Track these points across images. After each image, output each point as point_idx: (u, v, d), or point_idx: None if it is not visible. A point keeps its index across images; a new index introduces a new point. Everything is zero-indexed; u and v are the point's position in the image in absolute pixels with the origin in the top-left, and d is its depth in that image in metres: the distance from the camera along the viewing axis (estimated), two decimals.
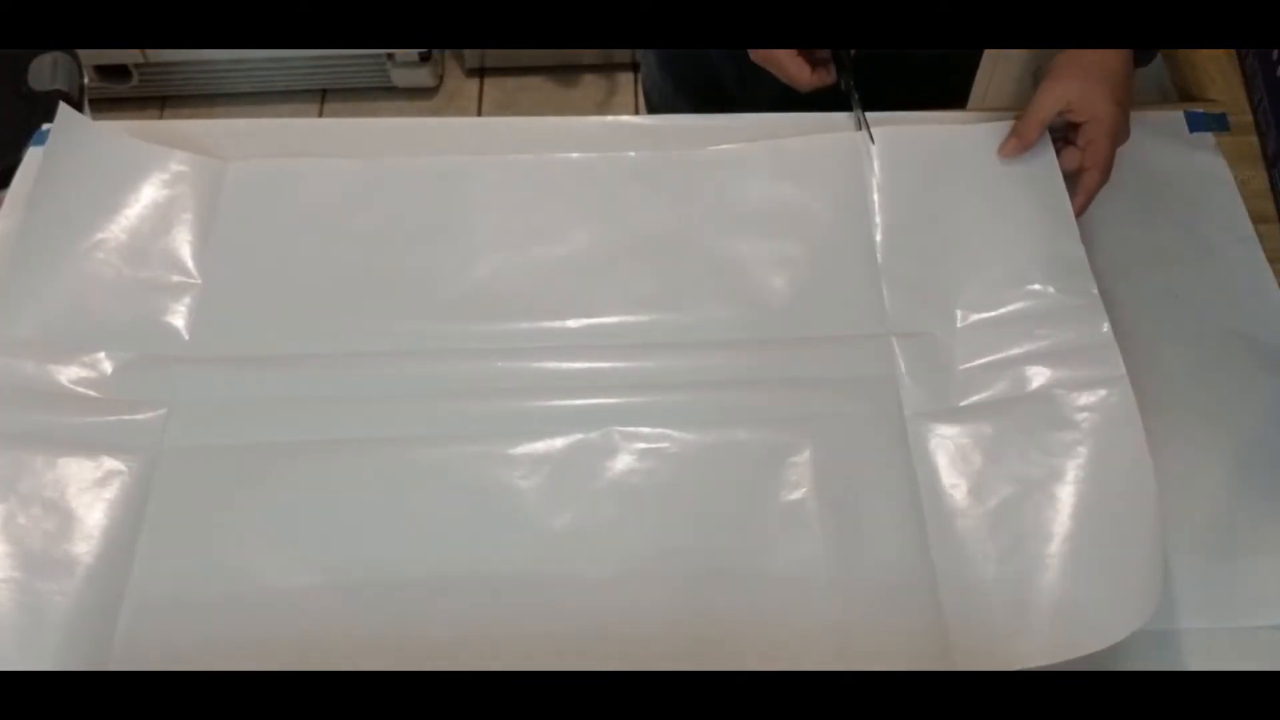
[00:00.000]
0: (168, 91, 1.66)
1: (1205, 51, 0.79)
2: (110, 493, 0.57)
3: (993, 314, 0.63)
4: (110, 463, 0.57)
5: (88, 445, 0.58)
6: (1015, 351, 0.61)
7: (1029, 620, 0.53)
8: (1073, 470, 0.56)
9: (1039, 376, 0.59)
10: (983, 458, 0.58)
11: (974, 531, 0.56)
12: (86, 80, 1.10)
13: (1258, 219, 0.70)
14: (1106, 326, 0.60)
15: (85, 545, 0.55)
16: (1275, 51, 0.74)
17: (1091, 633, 0.52)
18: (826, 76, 0.68)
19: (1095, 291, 0.61)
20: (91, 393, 0.60)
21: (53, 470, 0.57)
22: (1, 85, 1.04)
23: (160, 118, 1.65)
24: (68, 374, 0.60)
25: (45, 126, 0.73)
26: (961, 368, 0.61)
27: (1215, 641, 0.54)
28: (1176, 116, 0.74)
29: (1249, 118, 0.76)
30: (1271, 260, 0.68)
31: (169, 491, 0.57)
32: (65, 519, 0.56)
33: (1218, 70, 0.79)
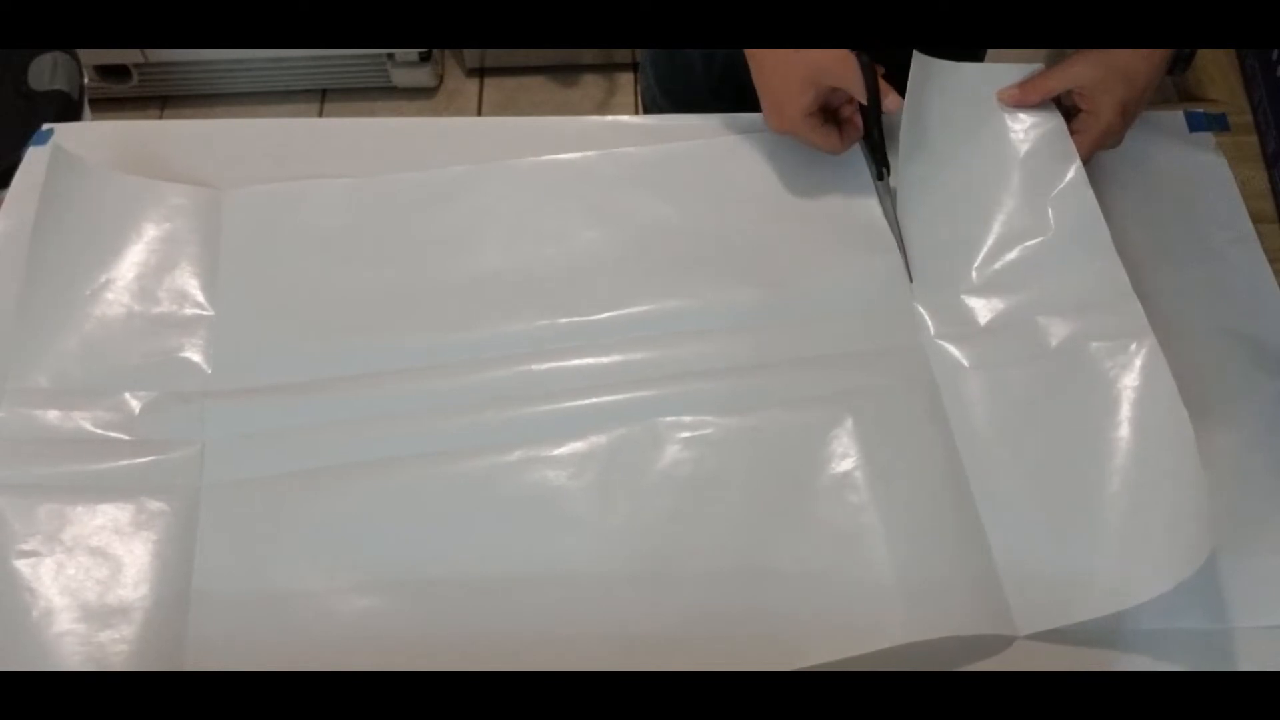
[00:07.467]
0: (168, 91, 1.65)
1: (1205, 51, 0.79)
2: (156, 534, 0.56)
3: (1011, 268, 0.62)
4: (152, 504, 0.57)
5: (126, 489, 0.57)
6: (1037, 305, 0.60)
7: (1082, 572, 0.53)
8: (1106, 420, 0.56)
9: (1062, 328, 0.59)
10: (1018, 416, 0.58)
11: (1019, 487, 0.56)
12: (86, 80, 1.11)
13: (1258, 219, 0.70)
14: (1125, 278, 0.59)
15: (139, 590, 0.54)
16: (1275, 52, 0.75)
17: (1148, 578, 0.52)
18: (855, 134, 0.67)
19: (1109, 240, 0.60)
20: (122, 435, 0.59)
21: (95, 517, 0.56)
22: (1, 85, 1.04)
23: (160, 118, 1.65)
24: (94, 419, 0.59)
25: (45, 126, 0.73)
26: (984, 324, 0.61)
27: (1215, 641, 0.54)
28: (1176, 116, 0.74)
29: (1249, 118, 0.76)
30: (1271, 260, 0.68)
31: (216, 528, 0.57)
32: (115, 566, 0.55)
33: (1218, 70, 0.79)
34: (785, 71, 0.65)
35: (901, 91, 0.65)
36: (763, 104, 0.67)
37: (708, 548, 0.56)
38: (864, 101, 0.65)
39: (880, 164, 0.68)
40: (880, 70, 0.64)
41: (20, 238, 0.64)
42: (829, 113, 0.67)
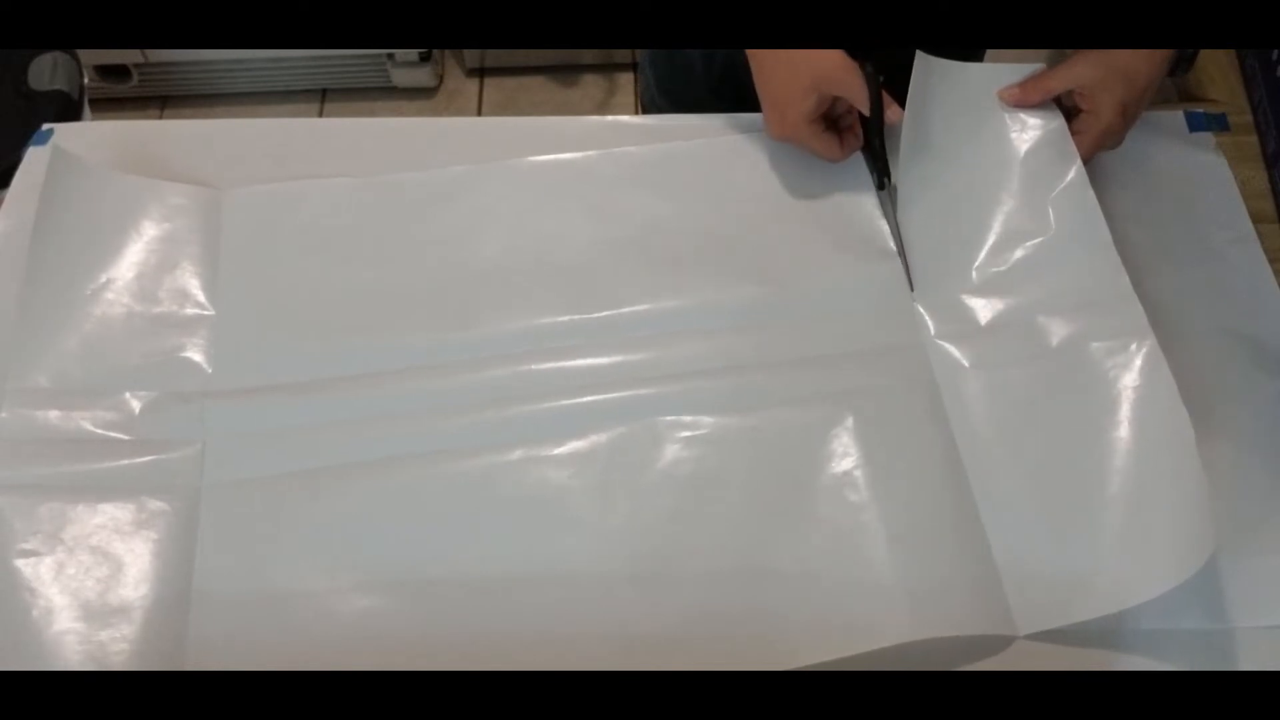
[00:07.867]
0: (168, 91, 1.65)
1: (1205, 51, 0.79)
2: (157, 534, 0.56)
3: (1012, 268, 0.62)
4: (153, 504, 0.57)
5: (127, 489, 0.57)
6: (1038, 305, 0.60)
7: (1082, 572, 0.53)
8: (1107, 420, 0.56)
9: (1063, 328, 0.59)
10: (1018, 416, 0.58)
11: (1019, 487, 0.56)
12: (86, 80, 1.11)
13: (1258, 219, 0.70)
14: (1125, 278, 0.59)
15: (140, 590, 0.54)
16: (1275, 52, 0.75)
17: (1148, 579, 0.52)
18: (855, 142, 0.68)
19: (1110, 240, 0.60)
20: (122, 435, 0.59)
21: (95, 517, 0.56)
22: (1, 85, 1.04)
23: (160, 118, 1.65)
24: (94, 419, 0.60)
25: (45, 126, 0.73)
26: (985, 324, 0.61)
27: (1215, 641, 0.54)
28: (1176, 116, 0.74)
29: (1249, 118, 0.76)
30: (1271, 260, 0.68)
31: (216, 528, 0.57)
32: (116, 565, 0.55)
33: (1218, 70, 0.79)
34: (788, 77, 0.65)
35: (902, 100, 0.65)
36: (764, 109, 0.67)
37: (708, 548, 0.56)
38: (866, 112, 0.65)
39: (881, 173, 0.68)
40: (881, 79, 0.64)
41: (20, 238, 0.64)
42: (830, 120, 0.67)
